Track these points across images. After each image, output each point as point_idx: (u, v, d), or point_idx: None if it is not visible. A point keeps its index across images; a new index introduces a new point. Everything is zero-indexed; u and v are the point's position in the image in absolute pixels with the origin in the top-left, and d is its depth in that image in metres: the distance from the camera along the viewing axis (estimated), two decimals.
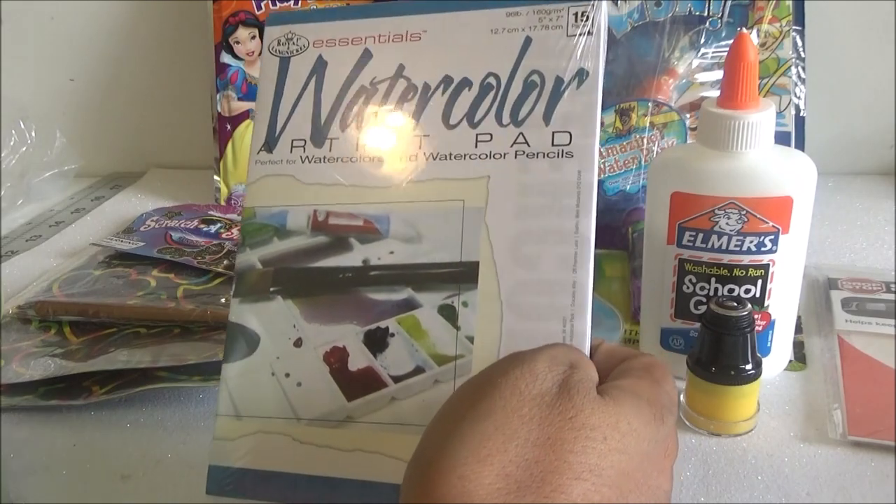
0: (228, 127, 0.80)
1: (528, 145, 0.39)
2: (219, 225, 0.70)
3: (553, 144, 0.39)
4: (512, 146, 0.39)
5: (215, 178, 0.81)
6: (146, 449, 0.46)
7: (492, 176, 0.39)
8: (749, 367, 0.43)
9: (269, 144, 0.43)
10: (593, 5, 0.40)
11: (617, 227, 0.67)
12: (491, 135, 0.40)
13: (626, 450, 0.29)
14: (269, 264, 0.42)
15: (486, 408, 0.29)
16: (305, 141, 0.42)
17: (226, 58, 0.79)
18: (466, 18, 0.41)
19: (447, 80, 0.41)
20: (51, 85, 0.93)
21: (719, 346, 0.43)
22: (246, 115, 0.79)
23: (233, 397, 0.40)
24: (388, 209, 0.41)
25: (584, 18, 0.40)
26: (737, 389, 0.43)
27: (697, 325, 0.45)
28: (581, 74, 0.39)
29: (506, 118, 0.40)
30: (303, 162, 0.42)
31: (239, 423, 0.40)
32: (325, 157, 0.42)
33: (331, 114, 0.42)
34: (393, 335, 0.39)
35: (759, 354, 0.44)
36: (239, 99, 0.79)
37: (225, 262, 0.63)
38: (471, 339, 0.38)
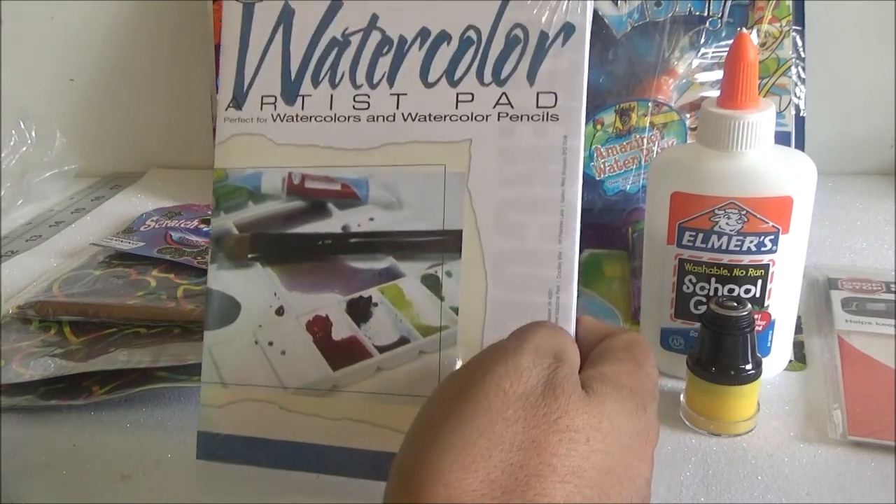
0: None
1: (512, 107, 0.38)
2: None
3: (538, 106, 0.37)
4: (494, 107, 0.38)
5: None
6: (146, 449, 0.46)
7: (474, 139, 0.38)
8: (749, 367, 0.43)
9: (238, 100, 0.41)
10: None
11: (617, 227, 0.67)
12: (472, 94, 0.38)
13: (608, 449, 0.29)
14: (245, 229, 0.41)
15: (469, 410, 0.29)
16: (276, 98, 0.41)
17: None
18: None
19: (424, 32, 0.39)
20: (51, 85, 0.93)
21: (719, 346, 0.43)
22: None
23: (217, 365, 0.40)
24: (367, 173, 0.39)
25: None
26: (737, 389, 0.43)
27: (697, 325, 0.45)
28: (567, 29, 0.37)
29: (487, 76, 0.38)
30: (274, 120, 0.40)
31: (225, 391, 0.40)
32: (297, 116, 0.40)
33: (301, 68, 0.40)
34: (376, 305, 0.39)
35: (759, 354, 0.44)
36: None
37: None
38: (455, 310, 0.38)
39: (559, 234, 0.37)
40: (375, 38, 0.40)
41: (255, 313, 0.40)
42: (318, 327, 0.39)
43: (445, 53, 0.39)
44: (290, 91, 0.40)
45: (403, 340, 0.38)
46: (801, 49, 0.70)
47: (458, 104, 0.38)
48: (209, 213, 0.74)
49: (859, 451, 0.43)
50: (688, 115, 0.69)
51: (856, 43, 0.79)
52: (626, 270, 0.61)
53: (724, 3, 0.70)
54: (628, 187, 0.70)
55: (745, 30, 0.44)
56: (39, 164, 0.86)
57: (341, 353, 0.39)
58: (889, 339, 0.51)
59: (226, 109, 0.41)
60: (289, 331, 0.39)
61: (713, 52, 0.69)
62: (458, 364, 0.38)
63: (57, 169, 0.88)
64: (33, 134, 0.86)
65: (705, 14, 0.70)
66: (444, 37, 0.39)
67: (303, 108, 0.40)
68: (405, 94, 0.39)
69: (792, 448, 0.43)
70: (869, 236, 0.68)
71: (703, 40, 0.70)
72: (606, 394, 0.30)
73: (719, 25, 0.70)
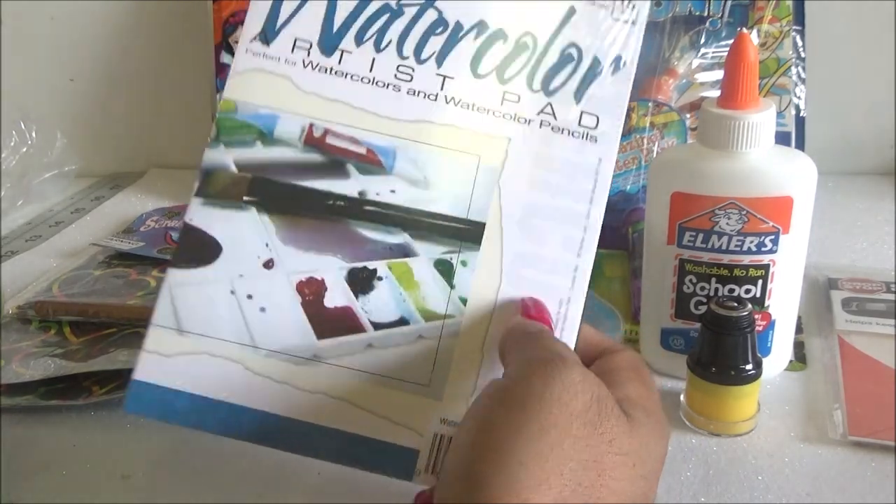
0: None
1: (556, 118, 0.38)
2: None
3: (580, 124, 0.38)
4: (538, 114, 0.38)
5: None
6: (146, 449, 0.46)
7: (513, 139, 0.38)
8: (749, 367, 0.43)
9: (266, 35, 0.39)
10: None
11: (617, 227, 0.67)
12: (519, 96, 0.38)
13: (647, 475, 0.30)
14: (245, 170, 0.38)
15: (536, 424, 0.29)
16: (311, 44, 0.38)
17: (226, 58, 0.79)
18: None
19: (482, 25, 0.39)
20: (51, 85, 0.93)
21: (719, 347, 0.43)
22: None
23: (176, 307, 0.37)
24: (396, 143, 0.38)
25: (631, 7, 0.39)
26: (737, 389, 0.43)
27: (698, 325, 0.45)
28: (618, 61, 0.38)
29: (537, 84, 0.38)
30: (305, 66, 0.38)
31: (179, 339, 0.36)
32: (331, 69, 0.38)
33: (346, 23, 0.38)
34: (381, 279, 0.37)
35: (759, 354, 0.44)
36: None
37: None
38: (464, 301, 0.37)
39: (579, 248, 0.37)
40: (431, 15, 0.39)
41: (238, 261, 0.37)
42: (310, 290, 0.37)
43: (500, 50, 0.39)
44: (329, 42, 0.38)
45: (403, 321, 0.37)
46: (801, 49, 0.70)
47: (504, 101, 0.38)
48: None
49: (859, 451, 0.43)
50: (688, 115, 0.69)
51: (856, 43, 0.79)
52: (626, 270, 0.61)
53: (724, 3, 0.70)
54: (628, 187, 0.70)
55: (745, 30, 0.44)
56: (40, 164, 0.86)
57: (331, 322, 0.36)
58: (889, 339, 0.50)
59: (250, 41, 0.39)
60: (275, 287, 0.37)
61: (713, 52, 0.69)
62: (456, 354, 0.37)
63: (57, 169, 0.87)
64: (34, 134, 0.86)
65: (705, 14, 0.70)
66: (500, 34, 0.39)
67: (340, 62, 0.38)
68: (452, 78, 0.38)
69: (792, 448, 0.43)
70: (869, 236, 0.68)
71: (703, 40, 0.70)
72: (642, 421, 0.31)
73: (719, 25, 0.70)
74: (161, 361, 0.36)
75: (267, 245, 0.37)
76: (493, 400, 0.31)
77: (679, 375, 0.47)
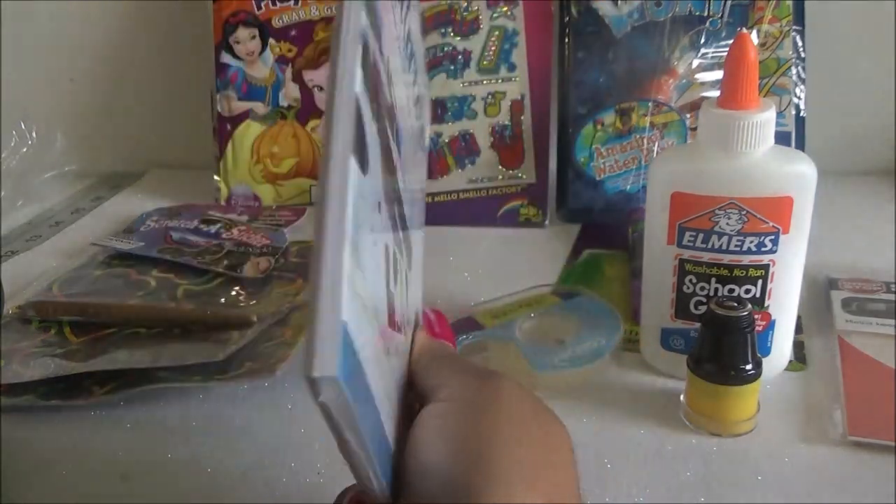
0: (228, 127, 0.80)
1: None
2: (219, 225, 0.70)
3: None
4: None
5: (215, 178, 0.81)
6: (146, 449, 0.46)
7: None
8: (749, 367, 0.43)
9: None
10: None
11: (617, 227, 0.67)
12: None
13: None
14: None
15: (510, 433, 0.29)
16: None
17: (226, 58, 0.79)
18: None
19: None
20: (51, 85, 0.93)
21: (719, 347, 0.43)
22: (246, 114, 0.79)
23: None
24: None
25: None
26: (737, 389, 0.43)
27: (698, 325, 0.45)
28: None
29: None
30: None
31: None
32: None
33: None
34: None
35: (759, 354, 0.44)
36: (239, 99, 0.79)
37: (225, 262, 0.63)
38: None
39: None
40: None
41: None
42: None
43: None
44: None
45: None
46: (801, 49, 0.70)
47: None
48: (209, 212, 0.74)
49: (859, 451, 0.43)
50: (688, 115, 0.69)
51: (856, 43, 0.79)
52: (626, 270, 0.61)
53: (724, 3, 0.70)
54: (628, 187, 0.70)
55: (745, 30, 0.44)
56: (40, 164, 0.86)
57: None
58: (889, 339, 0.51)
59: None
60: None
61: (713, 52, 0.69)
62: None
63: (57, 169, 0.88)
64: (34, 134, 0.86)
65: (705, 14, 0.70)
66: None
67: None
68: None
69: (792, 448, 0.43)
70: (869, 236, 0.68)
71: (703, 40, 0.70)
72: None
73: (719, 25, 0.70)
74: None
75: None
76: (450, 418, 0.30)
77: (679, 375, 0.47)
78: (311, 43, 0.78)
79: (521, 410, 0.30)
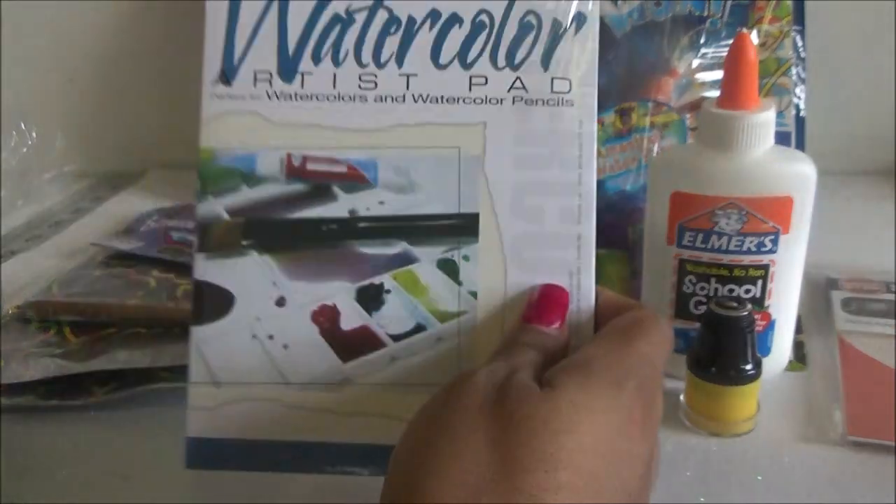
0: None
1: (527, 91, 0.37)
2: None
3: (552, 91, 0.37)
4: (509, 91, 0.37)
5: None
6: (146, 449, 0.46)
7: (488, 122, 0.37)
8: (749, 367, 0.43)
9: (227, 75, 0.39)
10: None
11: (617, 227, 0.67)
12: (486, 77, 0.38)
13: (573, 428, 0.28)
14: (237, 214, 0.38)
15: (436, 427, 0.29)
16: (271, 74, 0.38)
17: None
18: None
19: (434, 14, 0.38)
20: (51, 85, 0.92)
21: (719, 347, 0.43)
22: None
23: (207, 362, 0.37)
24: (376, 154, 0.38)
25: None
26: (737, 390, 0.43)
27: (697, 325, 0.45)
28: (580, 18, 0.38)
29: (501, 60, 0.38)
30: (270, 98, 0.38)
31: (217, 391, 0.37)
32: (296, 94, 0.38)
33: (300, 44, 0.38)
34: (389, 291, 0.37)
35: (758, 355, 0.44)
36: None
37: None
38: (474, 295, 0.37)
39: (578, 217, 0.37)
40: (382, 16, 0.38)
41: (252, 305, 0.37)
42: (325, 317, 0.37)
43: (457, 36, 0.38)
44: (288, 68, 0.38)
45: (419, 328, 0.37)
46: (801, 49, 0.70)
47: (472, 87, 0.38)
48: None
49: (859, 451, 0.43)
50: (688, 115, 0.69)
51: (856, 43, 0.79)
52: (626, 270, 0.61)
53: (724, 3, 0.70)
54: (628, 187, 0.70)
55: (745, 30, 0.44)
56: (40, 164, 0.86)
57: (352, 344, 0.37)
58: (889, 340, 0.51)
59: (212, 85, 0.39)
60: (291, 322, 0.37)
61: (713, 52, 0.69)
62: (478, 347, 0.37)
63: (57, 169, 0.87)
64: (34, 134, 0.86)
65: (705, 14, 0.70)
66: (455, 19, 0.38)
67: (302, 86, 0.38)
68: (415, 75, 0.38)
69: (792, 448, 0.43)
70: (869, 236, 0.68)
71: (703, 40, 0.70)
72: (562, 381, 0.30)
73: (719, 25, 0.70)
74: (206, 415, 0.37)
75: (274, 283, 0.38)
76: (412, 421, 0.31)
77: (678, 375, 0.47)
78: None
79: (466, 404, 0.30)
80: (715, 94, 0.60)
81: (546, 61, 0.38)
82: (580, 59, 0.37)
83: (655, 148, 0.69)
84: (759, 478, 0.41)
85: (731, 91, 0.43)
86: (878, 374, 0.48)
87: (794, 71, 0.70)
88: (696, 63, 0.69)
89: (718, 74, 0.67)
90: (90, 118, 0.94)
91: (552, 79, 0.37)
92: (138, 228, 0.72)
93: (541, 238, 0.37)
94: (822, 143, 0.75)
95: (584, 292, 0.37)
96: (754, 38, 0.69)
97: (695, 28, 0.70)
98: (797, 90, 0.70)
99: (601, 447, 0.29)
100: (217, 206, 0.38)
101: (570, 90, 0.37)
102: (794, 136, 0.70)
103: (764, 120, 0.43)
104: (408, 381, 0.37)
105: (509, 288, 0.37)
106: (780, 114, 0.69)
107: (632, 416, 0.30)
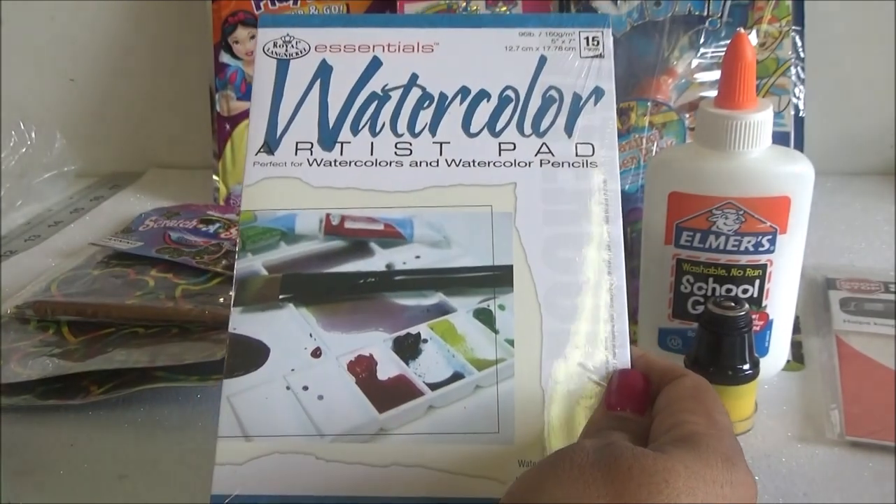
0: (227, 127, 0.80)
1: (553, 155, 0.40)
2: (217, 225, 0.70)
3: (577, 155, 0.40)
4: (536, 155, 0.40)
5: (214, 177, 0.81)
6: (144, 449, 0.46)
7: (518, 183, 0.39)
8: (747, 367, 0.43)
9: (270, 145, 0.41)
10: (602, 32, 0.42)
11: None
12: (514, 144, 0.40)
13: (692, 493, 0.28)
14: (275, 270, 0.39)
15: (548, 486, 0.29)
16: (312, 144, 0.41)
17: (225, 57, 0.79)
18: (479, 35, 0.42)
19: (464, 90, 0.41)
20: (51, 85, 0.93)
21: (717, 347, 0.43)
22: (245, 114, 0.79)
23: (238, 416, 0.37)
24: (411, 213, 0.39)
25: (595, 43, 0.42)
26: (734, 390, 0.43)
27: (695, 325, 0.45)
28: (597, 92, 0.41)
29: (527, 129, 0.40)
30: (310, 164, 0.40)
31: (248, 445, 0.36)
32: (335, 161, 0.40)
33: (339, 118, 0.41)
34: (426, 341, 0.38)
35: (756, 355, 0.44)
36: (238, 99, 0.79)
37: (223, 262, 0.63)
38: (511, 343, 0.37)
39: (608, 267, 0.38)
40: (416, 94, 0.41)
41: (287, 357, 0.37)
42: (362, 367, 0.37)
43: (486, 108, 0.41)
44: (328, 138, 0.41)
45: (457, 376, 0.37)
46: (800, 49, 0.70)
47: (501, 152, 0.40)
48: (208, 212, 0.74)
49: (857, 451, 0.43)
50: (687, 115, 0.69)
51: (856, 43, 0.79)
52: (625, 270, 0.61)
53: (724, 3, 0.70)
54: (627, 187, 0.70)
55: (742, 30, 0.44)
56: (39, 164, 0.86)
57: (388, 394, 0.37)
58: (887, 339, 0.51)
59: (256, 154, 0.41)
60: (327, 373, 0.37)
61: (713, 52, 0.69)
62: (517, 395, 0.37)
63: (57, 169, 0.88)
64: (33, 134, 0.86)
65: (705, 14, 0.70)
66: (483, 94, 0.41)
67: (341, 153, 0.40)
68: (448, 143, 0.40)
69: (789, 448, 0.43)
70: (868, 236, 0.68)
71: (702, 40, 0.70)
72: (675, 450, 0.30)
73: (719, 25, 0.70)
74: (234, 472, 0.36)
75: (311, 335, 0.38)
76: (516, 483, 0.31)
77: None
78: None
79: (579, 465, 0.29)
80: (714, 93, 0.60)
81: (569, 129, 0.40)
82: (601, 126, 0.40)
83: (654, 148, 0.69)
84: (757, 478, 0.41)
85: (729, 91, 0.43)
86: (876, 374, 0.48)
87: (793, 71, 0.70)
88: (695, 63, 0.69)
89: (718, 74, 0.67)
90: (90, 118, 0.94)
91: (576, 143, 0.40)
92: (137, 228, 0.72)
93: (574, 287, 0.38)
94: (820, 143, 0.75)
95: (620, 338, 0.37)
96: (753, 38, 0.69)
97: (694, 28, 0.70)
98: (796, 90, 0.70)
99: None
100: (255, 263, 0.39)
101: (593, 153, 0.40)
102: (793, 135, 0.70)
103: (761, 120, 0.43)
104: (446, 430, 0.36)
105: (545, 334, 0.37)
106: (779, 114, 0.69)
107: (746, 493, 0.30)
